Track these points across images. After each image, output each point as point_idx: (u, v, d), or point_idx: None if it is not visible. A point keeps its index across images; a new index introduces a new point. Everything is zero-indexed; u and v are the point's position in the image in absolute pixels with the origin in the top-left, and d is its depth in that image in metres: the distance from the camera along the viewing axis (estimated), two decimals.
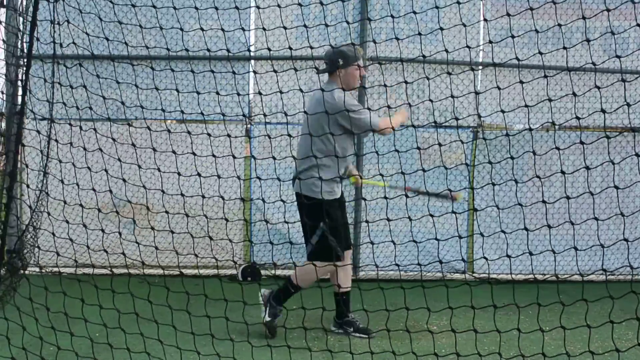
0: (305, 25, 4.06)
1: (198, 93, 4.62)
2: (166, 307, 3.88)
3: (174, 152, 4.30)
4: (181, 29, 4.42)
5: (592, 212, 4.65)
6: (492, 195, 6.92)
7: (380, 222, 6.56)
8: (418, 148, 4.30)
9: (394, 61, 6.81)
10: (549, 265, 6.83)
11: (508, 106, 6.86)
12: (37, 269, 6.06)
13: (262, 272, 6.77)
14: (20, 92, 5.00)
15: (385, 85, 4.17)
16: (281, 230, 6.81)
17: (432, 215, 3.95)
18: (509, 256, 3.70)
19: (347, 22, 4.63)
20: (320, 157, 4.56)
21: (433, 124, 6.95)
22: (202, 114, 5.10)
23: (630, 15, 6.73)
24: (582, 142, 3.49)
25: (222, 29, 4.56)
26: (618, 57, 3.44)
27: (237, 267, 6.65)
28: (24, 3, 5.77)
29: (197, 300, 4.12)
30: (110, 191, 4.35)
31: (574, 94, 3.44)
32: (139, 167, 4.46)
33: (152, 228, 4.71)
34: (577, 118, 3.47)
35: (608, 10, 3.26)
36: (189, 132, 4.37)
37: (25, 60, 4.67)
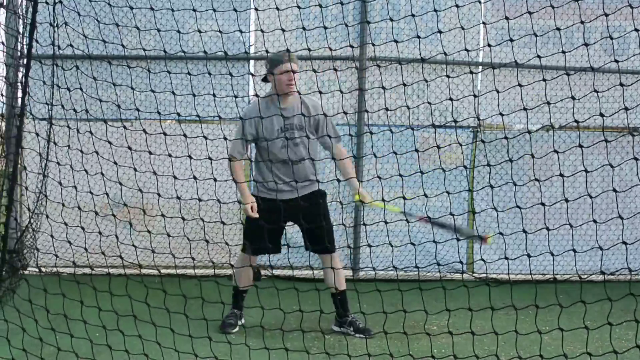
0: (303, 28, 4.06)
1: (210, 94, 4.64)
2: (164, 309, 3.89)
3: (189, 156, 4.32)
4: (178, 31, 4.42)
5: (592, 212, 4.64)
6: (492, 196, 6.91)
7: (380, 222, 6.56)
8: (416, 150, 4.29)
9: (394, 61, 6.80)
10: (549, 265, 6.83)
11: (508, 106, 6.85)
12: (37, 270, 6.06)
13: (262, 272, 6.76)
14: (19, 93, 5.00)
15: (383, 88, 4.15)
16: None
17: (429, 218, 3.94)
18: (506, 258, 3.69)
19: (346, 25, 4.61)
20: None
21: (433, 124, 6.94)
22: (213, 114, 5.10)
23: (630, 15, 6.72)
24: (580, 146, 3.47)
25: (220, 31, 4.56)
26: (616, 61, 3.42)
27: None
28: (24, 4, 5.77)
29: (194, 302, 4.13)
30: (107, 195, 4.35)
31: (573, 98, 3.44)
32: (135, 170, 4.46)
33: (165, 230, 4.70)
34: (576, 122, 3.47)
35: (606, 15, 3.25)
36: (205, 137, 4.40)
37: (24, 61, 4.67)
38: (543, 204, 3.59)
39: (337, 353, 4.46)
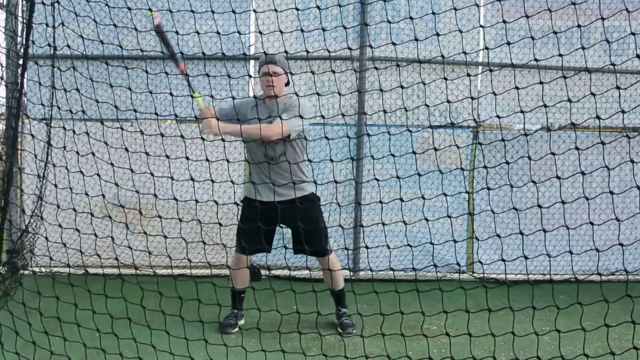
0: (302, 30, 4.04)
1: (209, 95, 4.63)
2: (159, 312, 3.88)
3: (187, 157, 4.31)
4: (177, 32, 4.40)
5: (590, 214, 4.63)
6: (492, 195, 6.90)
7: (380, 223, 6.56)
8: (414, 152, 4.28)
9: (393, 62, 6.78)
10: (549, 266, 6.82)
11: (508, 106, 6.84)
12: (32, 273, 6.07)
13: (262, 272, 6.77)
14: (16, 94, 5.01)
15: (381, 90, 4.14)
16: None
17: (427, 220, 3.93)
18: (503, 260, 3.67)
19: (344, 27, 4.60)
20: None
21: (431, 125, 6.93)
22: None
23: (629, 15, 6.69)
24: (577, 148, 3.46)
25: (219, 32, 4.56)
26: (613, 65, 3.40)
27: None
28: (22, 5, 5.78)
29: (191, 304, 4.12)
30: (103, 196, 4.35)
31: (570, 101, 3.42)
32: (132, 171, 4.46)
33: (162, 231, 4.71)
34: (573, 124, 3.45)
35: (603, 18, 3.23)
36: (203, 138, 4.38)
37: (21, 62, 4.67)
38: (540, 206, 3.57)
39: (335, 354, 4.44)
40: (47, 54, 6.23)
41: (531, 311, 3.61)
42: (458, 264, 6.46)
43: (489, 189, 3.96)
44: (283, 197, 4.87)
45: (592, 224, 3.57)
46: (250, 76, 4.16)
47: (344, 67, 6.86)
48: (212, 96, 4.29)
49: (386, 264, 6.71)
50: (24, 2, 5.55)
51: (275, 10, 4.22)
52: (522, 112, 3.53)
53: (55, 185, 4.79)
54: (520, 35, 6.74)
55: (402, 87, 3.84)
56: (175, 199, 4.28)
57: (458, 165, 6.84)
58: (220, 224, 4.49)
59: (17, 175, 5.89)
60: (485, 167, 4.15)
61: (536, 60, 3.43)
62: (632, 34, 2.95)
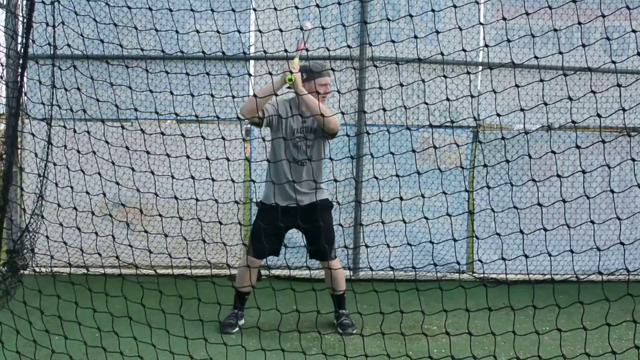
0: (301, 28, 4.05)
1: (209, 94, 4.63)
2: (159, 311, 3.88)
3: (187, 156, 4.31)
4: (177, 31, 4.41)
5: (591, 213, 4.63)
6: (492, 195, 6.90)
7: (379, 223, 6.56)
8: (413, 151, 4.28)
9: (393, 62, 6.79)
10: (549, 266, 6.82)
11: (508, 106, 6.84)
12: (32, 272, 6.08)
13: (262, 272, 6.76)
14: (16, 94, 5.01)
15: (381, 88, 4.15)
16: None
17: (427, 219, 3.93)
18: (504, 259, 3.68)
19: (344, 25, 4.61)
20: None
21: (431, 125, 6.94)
22: (212, 115, 5.09)
23: (629, 15, 6.70)
24: (577, 147, 3.47)
25: (219, 31, 4.57)
26: (613, 62, 3.40)
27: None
28: (22, 4, 5.78)
29: (191, 303, 4.12)
30: (104, 194, 4.35)
31: (570, 99, 3.43)
32: (133, 170, 4.46)
33: (163, 230, 4.71)
34: (573, 122, 3.45)
35: (604, 16, 3.23)
36: (203, 137, 4.39)
37: (21, 61, 4.67)
38: (540, 205, 3.57)
39: (335, 353, 4.44)
40: (48, 53, 6.23)
41: (532, 310, 3.61)
42: (458, 263, 6.46)
43: (489, 187, 3.97)
44: (302, 203, 4.94)
45: (592, 222, 3.57)
46: (250, 75, 4.16)
47: (343, 66, 6.86)
48: (212, 95, 4.29)
49: (386, 263, 6.71)
50: (24, 1, 5.55)
51: (275, 9, 4.22)
52: (522, 110, 3.53)
53: (56, 184, 4.79)
54: (520, 35, 6.74)
55: (401, 85, 3.84)
56: (175, 198, 4.29)
57: (458, 165, 6.83)
58: (221, 223, 4.51)
59: (18, 174, 5.88)
60: (485, 165, 4.15)
61: (536, 57, 3.44)
62: (633, 31, 2.96)
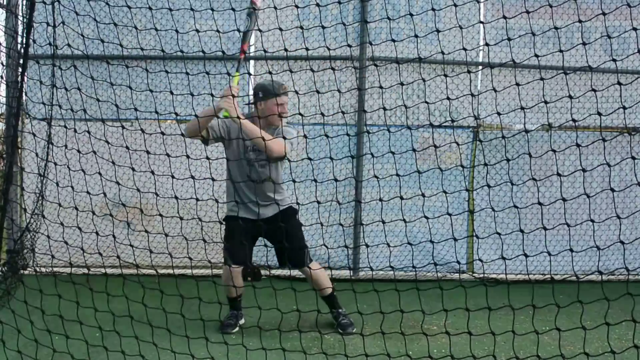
0: (301, 27, 4.05)
1: (208, 94, 4.64)
2: (161, 310, 3.89)
3: (187, 156, 4.32)
4: (177, 31, 4.42)
5: (590, 212, 4.63)
6: (492, 195, 6.90)
7: (380, 222, 6.57)
8: (414, 150, 4.28)
9: (393, 61, 6.79)
10: (549, 265, 6.82)
11: (508, 106, 6.84)
12: (33, 271, 6.08)
13: (262, 272, 6.76)
14: (17, 94, 5.01)
15: (381, 87, 4.15)
16: None
17: (427, 218, 3.93)
18: (504, 258, 3.68)
19: (344, 24, 4.61)
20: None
21: (431, 124, 6.94)
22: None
23: (629, 15, 6.70)
24: (578, 145, 3.47)
25: (219, 30, 4.56)
26: (614, 60, 3.41)
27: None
28: (23, 4, 5.78)
29: (192, 302, 4.12)
30: (104, 194, 4.36)
31: (570, 97, 3.43)
32: (133, 169, 4.46)
33: (164, 229, 4.71)
34: (574, 121, 3.46)
35: (604, 14, 3.24)
36: (203, 137, 4.36)
37: (22, 61, 4.68)
38: (540, 204, 3.58)
39: (335, 353, 4.45)
40: (48, 53, 6.22)
41: (531, 310, 3.62)
42: (458, 263, 6.46)
43: (489, 187, 3.97)
44: (264, 216, 4.96)
45: (592, 221, 3.57)
46: (250, 75, 4.16)
47: (343, 66, 6.86)
48: (212, 95, 4.29)
49: (386, 263, 6.71)
50: (25, 1, 5.55)
51: (275, 8, 4.22)
52: (522, 109, 3.54)
53: (57, 184, 4.79)
54: (520, 35, 6.74)
55: (402, 84, 3.84)
56: (175, 197, 4.29)
57: (458, 165, 6.84)
58: (221, 223, 4.50)
59: (18, 174, 5.88)
60: (485, 164, 4.16)
61: (537, 57, 3.44)
62: (634, 29, 2.96)
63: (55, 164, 4.90)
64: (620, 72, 6.93)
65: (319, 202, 4.92)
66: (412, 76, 6.88)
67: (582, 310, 3.51)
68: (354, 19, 6.90)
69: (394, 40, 4.27)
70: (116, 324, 3.97)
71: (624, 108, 3.15)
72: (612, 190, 3.47)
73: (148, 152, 4.39)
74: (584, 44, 3.46)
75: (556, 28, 3.49)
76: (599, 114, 3.48)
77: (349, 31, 6.86)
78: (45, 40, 5.61)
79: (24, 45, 4.36)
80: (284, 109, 4.96)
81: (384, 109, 3.97)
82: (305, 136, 4.93)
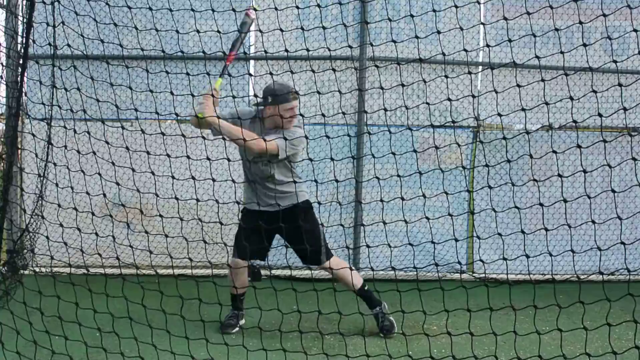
0: (302, 28, 4.05)
1: (213, 95, 4.64)
2: (160, 311, 3.88)
3: (188, 156, 4.32)
4: (177, 31, 4.41)
5: (591, 213, 4.62)
6: (492, 195, 6.89)
7: (380, 223, 6.56)
8: (415, 151, 4.27)
9: (393, 62, 6.78)
10: (549, 266, 6.81)
11: (508, 106, 6.83)
12: (32, 272, 6.07)
13: (262, 272, 6.75)
14: (17, 94, 5.01)
15: (381, 88, 4.14)
16: None
17: (428, 219, 3.93)
18: (504, 259, 3.67)
19: (344, 25, 4.60)
20: None
21: (432, 125, 6.93)
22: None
23: (629, 15, 6.69)
24: (579, 146, 3.46)
25: (219, 31, 4.56)
26: (615, 61, 3.40)
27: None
28: (23, 4, 5.77)
29: (192, 303, 4.12)
30: (104, 195, 4.35)
31: (571, 98, 3.43)
32: (133, 170, 4.46)
33: (164, 230, 4.71)
34: (575, 122, 3.45)
35: (605, 15, 3.23)
36: (204, 137, 4.37)
37: (22, 61, 4.68)
38: (541, 204, 3.57)
39: (336, 353, 4.44)
40: (48, 53, 6.22)
41: (532, 310, 3.61)
42: (459, 263, 6.45)
43: (489, 187, 3.96)
44: (271, 208, 4.95)
45: (593, 222, 3.56)
46: (250, 75, 4.16)
47: (344, 66, 6.85)
48: (212, 95, 4.28)
49: (387, 263, 6.70)
50: (25, 1, 5.55)
51: (276, 8, 4.22)
52: (522, 110, 3.53)
53: (57, 185, 4.78)
54: (520, 35, 6.73)
55: (402, 85, 3.84)
56: (176, 198, 4.28)
57: (459, 165, 6.83)
58: (222, 223, 4.50)
59: (18, 174, 5.88)
60: (486, 165, 4.15)
61: (537, 57, 3.44)
62: (635, 30, 2.95)
63: (55, 164, 4.89)
64: (620, 72, 6.92)
65: (319, 203, 4.93)
66: (412, 76, 6.87)
67: (583, 310, 3.51)
68: (355, 20, 6.90)
69: (394, 41, 4.27)
70: (116, 325, 3.96)
71: (625, 109, 3.14)
72: (613, 191, 3.46)
73: (148, 153, 4.38)
74: (584, 45, 3.45)
75: (556, 29, 3.47)
76: (600, 115, 3.46)
77: (349, 31, 6.86)
78: (45, 40, 5.59)
79: (24, 45, 4.36)
80: (293, 113, 4.95)
81: (385, 109, 3.96)
82: (305, 136, 4.94)
